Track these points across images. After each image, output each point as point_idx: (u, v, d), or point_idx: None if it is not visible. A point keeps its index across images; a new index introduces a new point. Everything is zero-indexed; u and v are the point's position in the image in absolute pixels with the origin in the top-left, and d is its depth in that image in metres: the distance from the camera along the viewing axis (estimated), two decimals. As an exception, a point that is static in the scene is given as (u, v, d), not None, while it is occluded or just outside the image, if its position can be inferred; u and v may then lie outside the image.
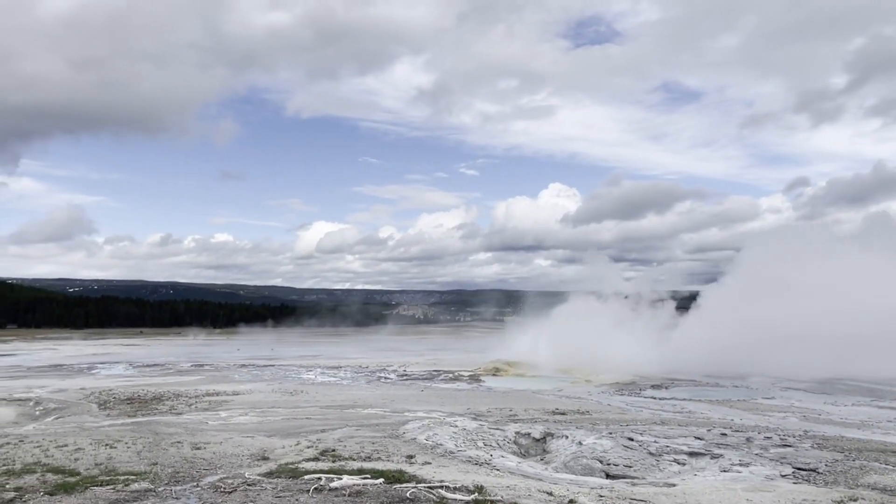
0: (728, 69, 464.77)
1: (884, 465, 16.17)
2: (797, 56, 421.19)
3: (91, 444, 16.78)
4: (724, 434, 20.47)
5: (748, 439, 19.64)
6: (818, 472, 15.49)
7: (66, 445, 16.46)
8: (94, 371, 48.05)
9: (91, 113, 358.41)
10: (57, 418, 24.48)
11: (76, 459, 14.75)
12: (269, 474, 13.07)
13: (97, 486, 11.85)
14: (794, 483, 14.54)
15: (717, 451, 17.94)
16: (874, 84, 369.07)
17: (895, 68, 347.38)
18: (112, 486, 11.80)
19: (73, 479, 12.43)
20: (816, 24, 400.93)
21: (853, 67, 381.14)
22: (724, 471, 16.00)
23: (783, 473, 15.53)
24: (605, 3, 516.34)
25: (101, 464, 14.30)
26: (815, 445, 18.82)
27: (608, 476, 15.74)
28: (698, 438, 19.68)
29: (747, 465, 16.44)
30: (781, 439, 19.73)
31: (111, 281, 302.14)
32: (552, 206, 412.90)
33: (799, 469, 15.88)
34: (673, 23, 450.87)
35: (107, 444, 16.61)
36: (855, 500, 12.54)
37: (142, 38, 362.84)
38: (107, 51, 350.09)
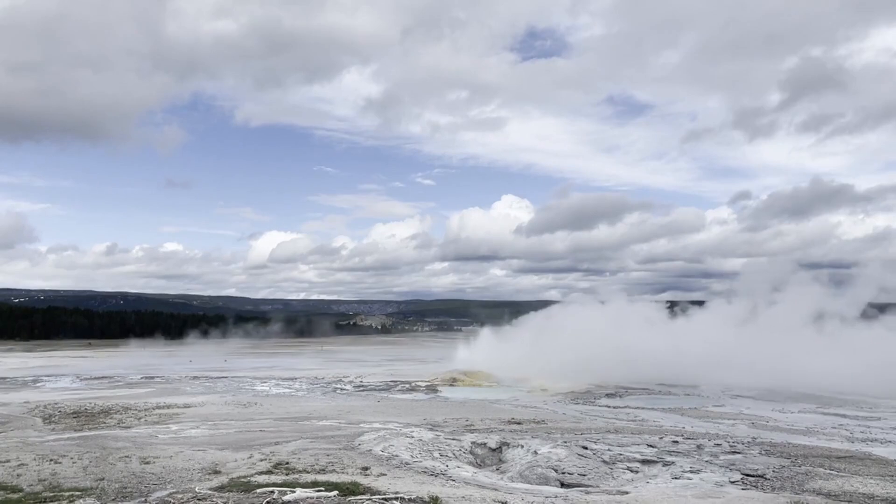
0: (672, 84, 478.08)
1: (828, 471, 16.66)
2: (735, 73, 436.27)
3: (35, 459, 16.27)
4: (676, 441, 20.84)
5: (699, 446, 20.03)
6: (766, 479, 15.87)
7: (8, 461, 15.93)
8: (38, 384, 46.50)
9: (30, 119, 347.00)
10: (-2, 433, 23.64)
11: (19, 475, 14.29)
12: (221, 488, 12.85)
13: (40, 502, 11.50)
14: (743, 489, 14.88)
15: (668, 458, 18.25)
16: (804, 102, 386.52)
17: (824, 87, 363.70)
18: (56, 503, 11.45)
19: (14, 496, 12.04)
20: (753, 42, 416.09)
21: (786, 86, 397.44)
22: (676, 478, 16.28)
23: (732, 480, 15.89)
24: (549, 18, 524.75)
25: (44, 479, 13.88)
26: (763, 452, 19.29)
27: (563, 485, 15.87)
28: (651, 446, 20.00)
29: (698, 471, 16.77)
30: (731, 446, 20.18)
31: (58, 291, 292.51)
32: (505, 216, 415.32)
33: (747, 475, 16.26)
34: (616, 38, 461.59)
35: (51, 460, 16.13)
36: (800, 505, 12.88)
37: (76, 42, 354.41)
38: (41, 55, 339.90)
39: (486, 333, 69.90)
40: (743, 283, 62.18)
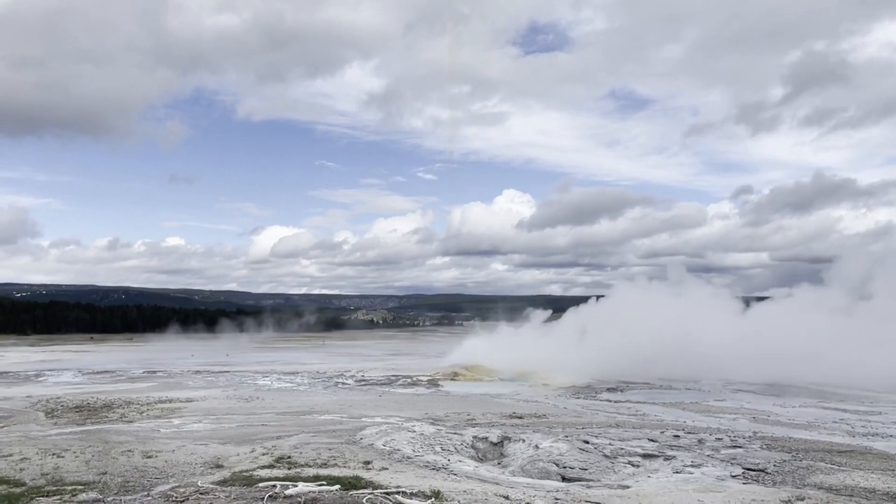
0: (674, 79, 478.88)
1: (829, 465, 16.68)
2: (738, 67, 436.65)
3: (37, 453, 16.31)
4: (677, 436, 20.85)
5: (700, 441, 20.05)
6: (767, 473, 15.89)
7: (10, 455, 15.96)
8: (41, 378, 46.61)
9: (32, 114, 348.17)
10: (1, 427, 23.69)
11: (21, 469, 14.32)
12: (223, 482, 12.88)
13: (43, 496, 11.53)
14: (744, 483, 14.89)
15: (669, 452, 18.27)
16: (807, 96, 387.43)
17: (827, 82, 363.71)
18: (59, 497, 11.49)
19: (17, 490, 12.07)
20: (755, 36, 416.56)
21: (788, 80, 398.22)
22: (677, 472, 16.29)
23: (733, 474, 15.90)
24: (551, 13, 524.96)
25: (47, 474, 13.91)
26: (764, 446, 19.31)
27: (564, 479, 15.89)
28: (652, 440, 20.01)
29: (699, 466, 16.78)
30: (732, 440, 20.19)
31: (60, 286, 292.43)
32: (506, 211, 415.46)
33: (748, 469, 16.28)
34: (618, 32, 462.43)
35: (54, 454, 16.16)
36: (802, 500, 12.90)
37: (78, 37, 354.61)
38: (43, 50, 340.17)
39: (487, 328, 69.83)
40: (840, 270, 54.91)
